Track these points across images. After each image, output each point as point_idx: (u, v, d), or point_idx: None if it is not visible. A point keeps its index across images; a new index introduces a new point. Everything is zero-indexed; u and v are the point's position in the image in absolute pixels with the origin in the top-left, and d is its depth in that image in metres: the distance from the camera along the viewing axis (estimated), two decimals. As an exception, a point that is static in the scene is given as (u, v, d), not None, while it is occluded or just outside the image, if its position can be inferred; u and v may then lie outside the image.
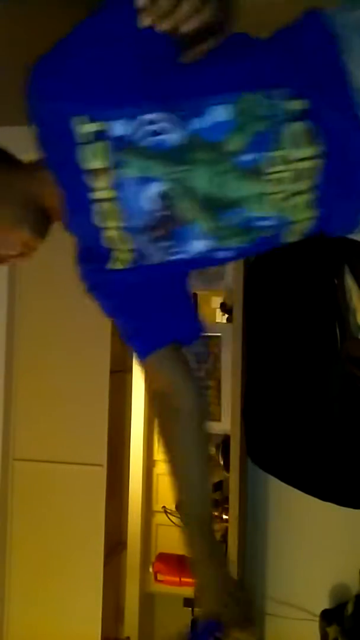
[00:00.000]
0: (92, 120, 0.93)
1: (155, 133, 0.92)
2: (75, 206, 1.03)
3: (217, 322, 2.41)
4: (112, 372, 2.36)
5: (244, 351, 2.19)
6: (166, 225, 0.99)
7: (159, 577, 2.36)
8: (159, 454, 2.65)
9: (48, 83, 0.95)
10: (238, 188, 0.96)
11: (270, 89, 0.92)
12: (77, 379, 2.37)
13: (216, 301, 2.39)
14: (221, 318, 2.39)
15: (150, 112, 0.92)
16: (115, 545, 2.54)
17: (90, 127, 0.93)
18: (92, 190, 0.98)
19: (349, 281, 1.94)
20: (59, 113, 0.94)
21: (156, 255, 1.04)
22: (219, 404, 2.26)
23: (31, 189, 1.06)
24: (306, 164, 0.95)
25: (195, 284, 2.22)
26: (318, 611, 2.23)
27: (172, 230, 1.00)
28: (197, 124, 0.92)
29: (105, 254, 1.06)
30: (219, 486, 2.44)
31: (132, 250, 1.04)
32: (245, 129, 0.92)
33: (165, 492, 2.57)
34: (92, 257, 1.08)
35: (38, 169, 1.05)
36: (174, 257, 1.04)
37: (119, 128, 0.92)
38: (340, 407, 2.06)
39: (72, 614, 2.34)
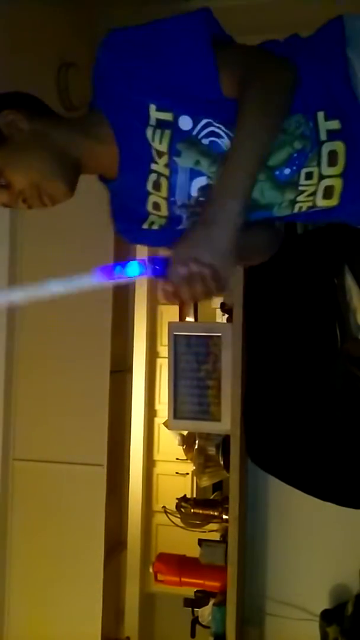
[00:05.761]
0: (166, 110, 1.04)
1: (213, 134, 1.05)
2: (133, 169, 1.12)
3: (217, 322, 2.41)
4: (112, 372, 2.36)
5: (244, 351, 2.19)
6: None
7: (159, 577, 2.35)
8: (159, 454, 2.65)
9: (141, 65, 1.03)
10: (271, 196, 1.10)
11: (310, 111, 1.05)
12: (77, 379, 2.37)
13: (216, 301, 2.39)
14: (221, 318, 2.39)
15: (215, 120, 1.05)
16: (115, 545, 2.54)
17: (162, 116, 1.05)
18: (154, 162, 1.09)
19: (349, 281, 1.94)
20: (139, 93, 1.04)
21: (185, 223, 1.17)
22: (219, 404, 2.26)
23: (72, 144, 1.12)
24: (333, 181, 1.08)
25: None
26: (318, 611, 2.24)
27: None
28: None
29: (143, 216, 1.17)
30: (219, 486, 2.44)
31: (167, 217, 1.16)
32: (286, 146, 1.06)
33: (165, 492, 2.57)
34: (129, 216, 1.19)
35: (90, 126, 1.12)
36: None
37: (184, 123, 1.05)
38: (340, 407, 2.06)
39: (72, 614, 2.34)
